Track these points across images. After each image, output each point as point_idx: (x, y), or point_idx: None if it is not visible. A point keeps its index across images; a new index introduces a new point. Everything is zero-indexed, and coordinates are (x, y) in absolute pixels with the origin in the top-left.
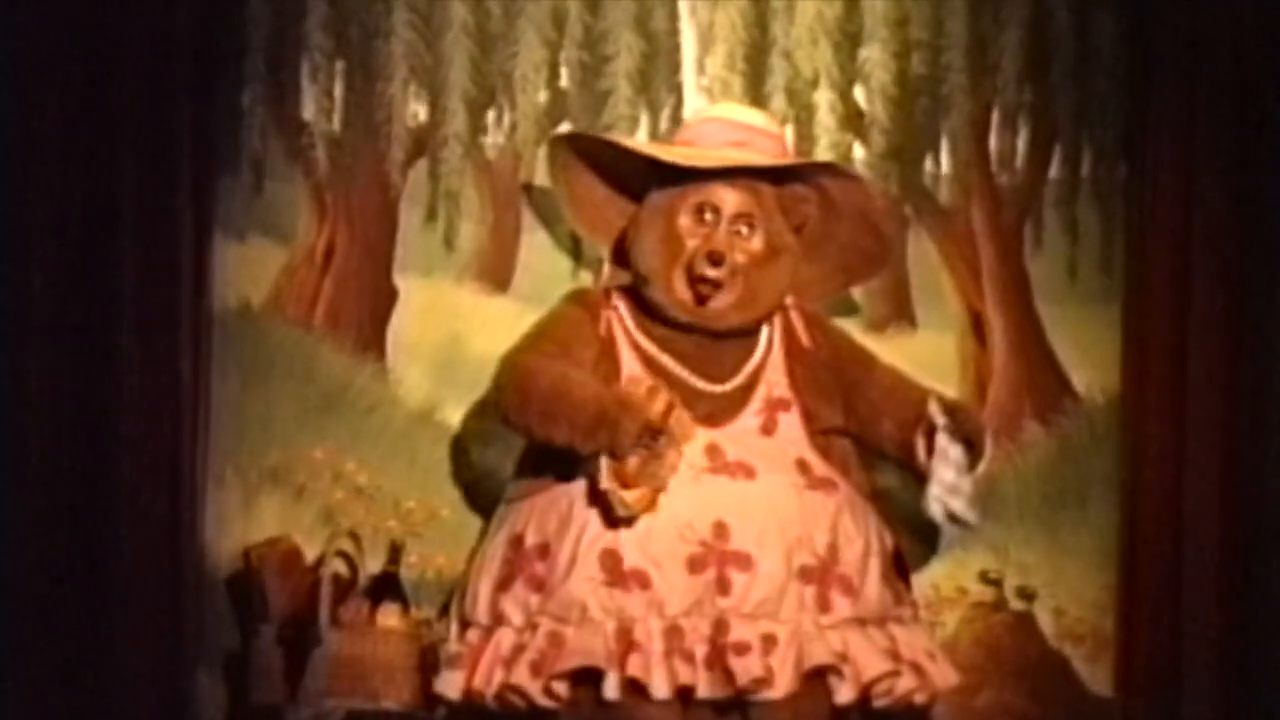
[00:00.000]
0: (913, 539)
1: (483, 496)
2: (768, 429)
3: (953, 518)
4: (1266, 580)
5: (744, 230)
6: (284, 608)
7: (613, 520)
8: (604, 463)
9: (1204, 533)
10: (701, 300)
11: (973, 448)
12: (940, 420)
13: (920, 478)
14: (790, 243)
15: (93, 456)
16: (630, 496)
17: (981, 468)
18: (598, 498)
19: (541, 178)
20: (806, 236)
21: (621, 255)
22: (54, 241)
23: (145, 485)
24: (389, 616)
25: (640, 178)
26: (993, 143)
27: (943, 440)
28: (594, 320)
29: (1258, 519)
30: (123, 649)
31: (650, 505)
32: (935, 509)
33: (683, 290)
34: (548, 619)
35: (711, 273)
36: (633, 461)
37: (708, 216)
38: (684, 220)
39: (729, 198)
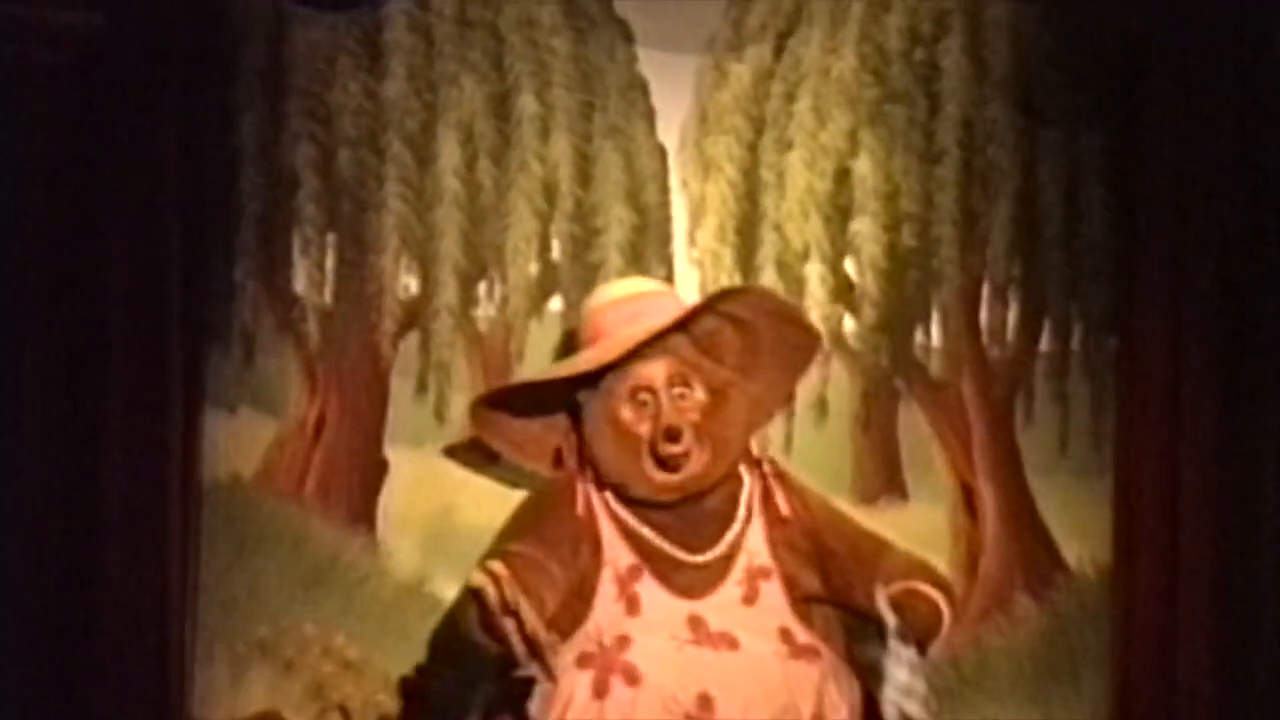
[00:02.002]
0: None
1: (475, 677)
2: (749, 598)
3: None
4: None
5: (684, 392)
6: None
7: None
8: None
9: (1197, 711)
10: (672, 469)
11: (925, 647)
12: (891, 622)
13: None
14: (728, 377)
15: (80, 631)
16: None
17: (936, 649)
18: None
19: (533, 350)
20: (737, 362)
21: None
22: (44, 412)
23: (132, 659)
24: None
25: (562, 392)
26: (983, 315)
27: (894, 643)
28: (570, 503)
29: (1250, 698)
30: None
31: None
32: (890, 711)
33: (660, 476)
34: None
35: (675, 449)
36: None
37: (645, 398)
38: (626, 414)
39: (654, 371)
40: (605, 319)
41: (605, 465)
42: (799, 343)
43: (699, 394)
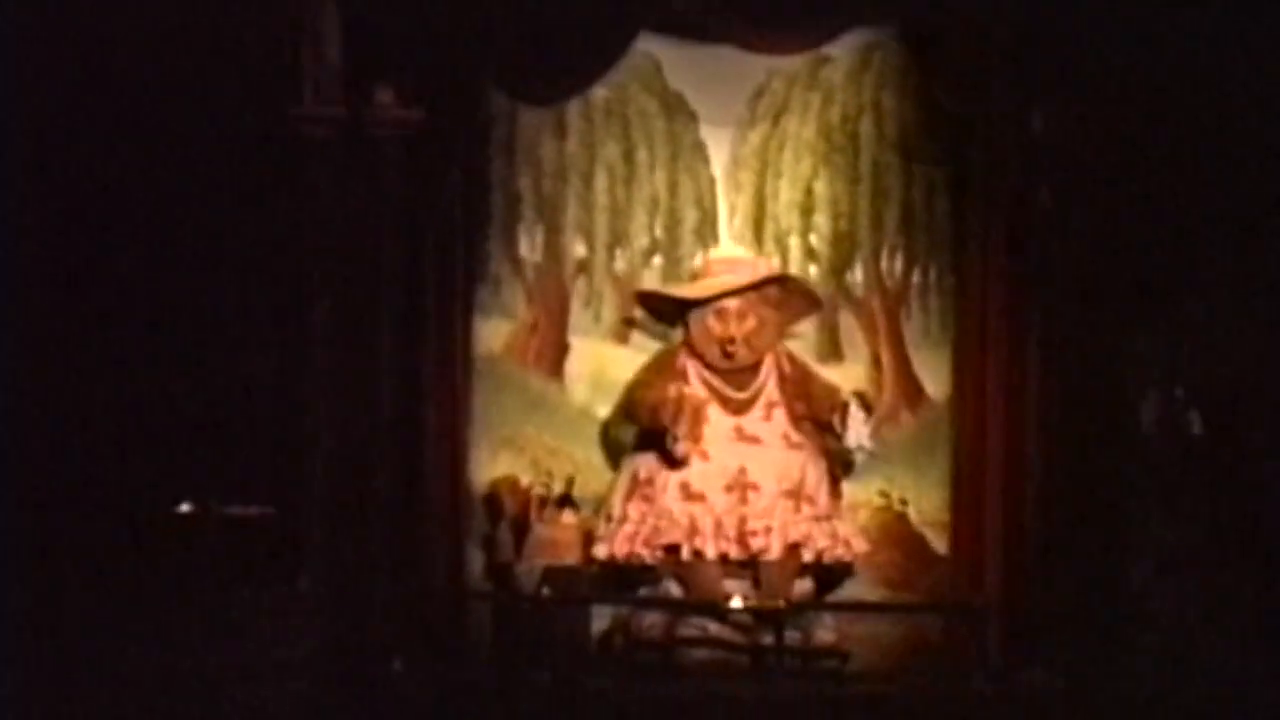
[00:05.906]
0: (844, 471)
1: (616, 455)
2: (767, 417)
3: (861, 448)
4: (1031, 496)
5: (744, 317)
6: (512, 511)
7: (675, 465)
8: (668, 436)
9: (994, 469)
10: (729, 356)
11: (870, 411)
12: (854, 402)
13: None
14: (769, 315)
15: (411, 440)
16: (680, 449)
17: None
18: (668, 456)
19: (645, 284)
20: (777, 309)
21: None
22: (392, 323)
23: (438, 451)
24: (568, 516)
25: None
26: (884, 264)
27: (854, 406)
28: (673, 363)
29: (1025, 460)
30: (430, 538)
31: (692, 451)
32: (853, 444)
33: (717, 352)
34: (652, 518)
35: (728, 349)
36: (682, 427)
37: (727, 317)
38: (712, 321)
39: (733, 305)
40: (718, 269)
41: (698, 346)
42: (811, 304)
43: (751, 322)
